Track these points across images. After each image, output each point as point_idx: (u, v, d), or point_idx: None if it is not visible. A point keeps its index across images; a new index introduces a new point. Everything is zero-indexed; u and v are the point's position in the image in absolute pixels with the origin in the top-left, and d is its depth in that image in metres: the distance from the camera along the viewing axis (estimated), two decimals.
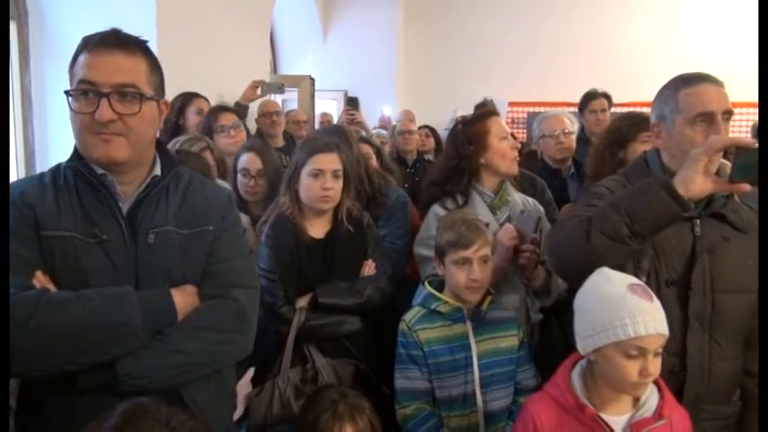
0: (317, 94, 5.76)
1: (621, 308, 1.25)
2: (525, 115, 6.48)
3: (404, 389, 1.77)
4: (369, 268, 2.06)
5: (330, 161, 2.00)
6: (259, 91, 3.75)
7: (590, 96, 3.80)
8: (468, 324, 1.78)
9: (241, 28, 4.17)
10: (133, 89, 1.19)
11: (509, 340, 1.81)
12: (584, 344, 1.32)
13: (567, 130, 2.98)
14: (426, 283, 1.89)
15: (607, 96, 3.83)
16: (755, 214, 2.00)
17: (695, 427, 1.50)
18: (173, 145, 2.27)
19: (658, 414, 1.30)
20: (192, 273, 1.27)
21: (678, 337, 1.51)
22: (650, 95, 1.64)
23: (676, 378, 1.52)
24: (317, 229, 2.04)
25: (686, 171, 1.36)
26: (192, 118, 3.04)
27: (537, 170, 2.76)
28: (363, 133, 3.86)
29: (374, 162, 2.94)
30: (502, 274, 1.95)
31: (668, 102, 1.55)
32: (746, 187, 1.34)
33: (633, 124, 2.28)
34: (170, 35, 3.07)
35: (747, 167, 1.28)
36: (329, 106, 6.07)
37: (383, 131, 4.74)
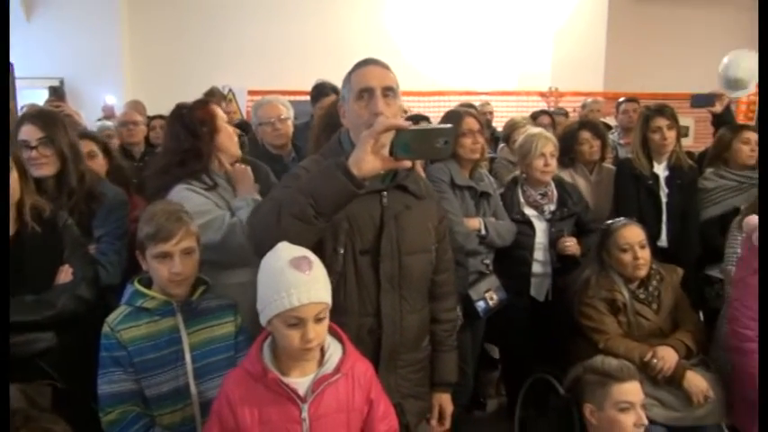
0: (22, 82, 5.00)
1: (280, 281, 1.32)
2: None
3: (108, 394, 1.63)
4: (64, 275, 1.85)
5: None
6: None
7: (320, 93, 3.78)
8: (179, 317, 1.72)
9: None
10: None
11: (225, 327, 1.79)
12: (261, 317, 1.37)
13: (282, 117, 3.04)
14: (135, 281, 1.77)
15: (336, 90, 3.92)
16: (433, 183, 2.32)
17: (393, 375, 1.70)
18: None
19: (337, 369, 1.40)
20: None
21: (373, 300, 1.66)
22: None
23: (375, 335, 1.67)
24: None
25: (357, 152, 1.43)
26: None
27: (259, 156, 2.76)
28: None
29: (101, 161, 2.65)
30: None
31: (345, 84, 1.68)
32: (408, 163, 1.50)
33: None
34: None
35: (405, 145, 1.41)
36: (41, 96, 5.32)
37: (108, 123, 4.30)
